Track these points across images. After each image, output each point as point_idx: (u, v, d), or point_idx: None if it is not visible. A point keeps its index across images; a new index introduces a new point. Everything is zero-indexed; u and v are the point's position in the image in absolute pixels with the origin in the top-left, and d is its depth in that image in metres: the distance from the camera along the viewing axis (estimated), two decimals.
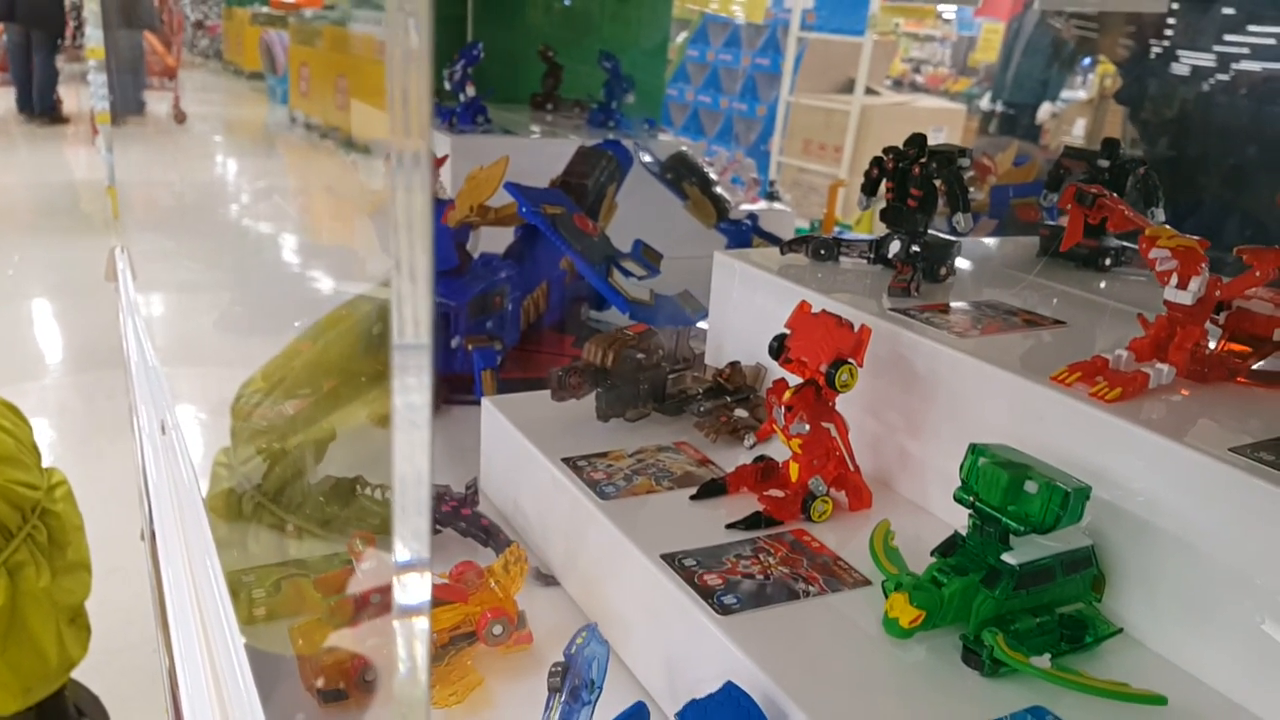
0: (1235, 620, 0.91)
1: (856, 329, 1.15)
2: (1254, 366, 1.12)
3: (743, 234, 2.43)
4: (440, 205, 1.79)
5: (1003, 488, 0.93)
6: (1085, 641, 0.96)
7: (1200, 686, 0.93)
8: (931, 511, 1.23)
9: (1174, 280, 1.06)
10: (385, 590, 1.05)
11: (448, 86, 2.75)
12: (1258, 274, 1.04)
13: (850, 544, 1.13)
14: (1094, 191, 1.17)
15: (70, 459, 3.28)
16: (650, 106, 3.28)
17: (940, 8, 11.54)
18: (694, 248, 2.11)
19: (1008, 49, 7.90)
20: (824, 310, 1.19)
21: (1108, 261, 1.57)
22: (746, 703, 0.87)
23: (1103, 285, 1.54)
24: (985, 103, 8.21)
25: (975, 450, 0.97)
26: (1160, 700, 0.88)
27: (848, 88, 6.94)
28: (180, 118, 9.59)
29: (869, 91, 6.76)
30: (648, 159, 2.47)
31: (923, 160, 1.41)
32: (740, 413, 1.41)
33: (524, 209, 1.65)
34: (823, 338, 1.16)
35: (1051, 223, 1.63)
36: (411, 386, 0.48)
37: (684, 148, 2.52)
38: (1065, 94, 8.53)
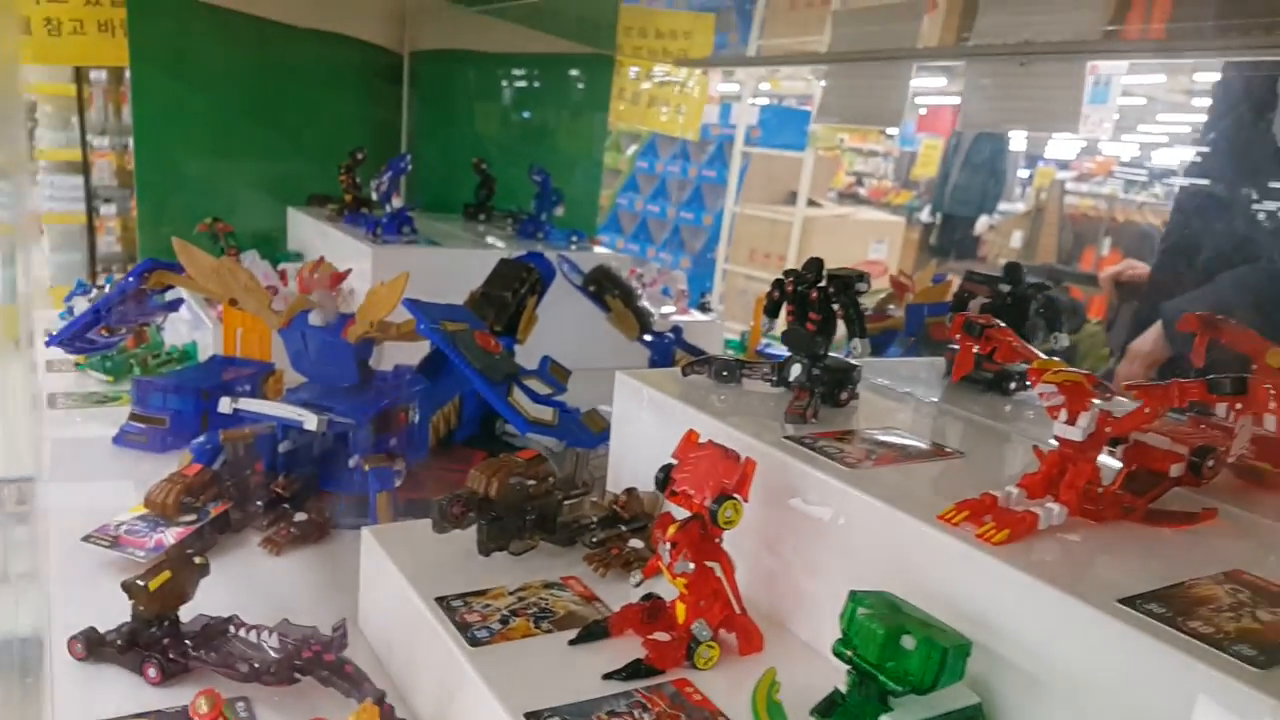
0: None
1: (742, 461, 1.10)
2: (1150, 506, 1.08)
3: (666, 347, 2.40)
4: (341, 320, 1.74)
5: (879, 643, 0.87)
6: None
7: None
8: (825, 655, 1.15)
9: (1063, 415, 1.03)
10: None
11: (374, 196, 2.73)
12: (1147, 410, 1.01)
13: (736, 695, 1.05)
14: (981, 322, 1.14)
15: None
16: (583, 219, 3.28)
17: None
18: (617, 360, 2.07)
19: (946, 164, 8.16)
20: (710, 441, 1.14)
21: (1012, 385, 1.54)
22: None
23: (1007, 409, 1.52)
24: (925, 215, 8.43)
25: (854, 599, 0.92)
26: None
27: (791, 199, 7.07)
28: None
29: (811, 203, 6.89)
30: (570, 271, 2.45)
31: (821, 285, 1.38)
32: (635, 543, 1.35)
33: (422, 326, 1.60)
34: (708, 470, 1.11)
35: (957, 346, 1.61)
36: None
37: (609, 263, 2.50)
38: (1003, 206, 8.81)
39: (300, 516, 1.65)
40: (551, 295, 2.26)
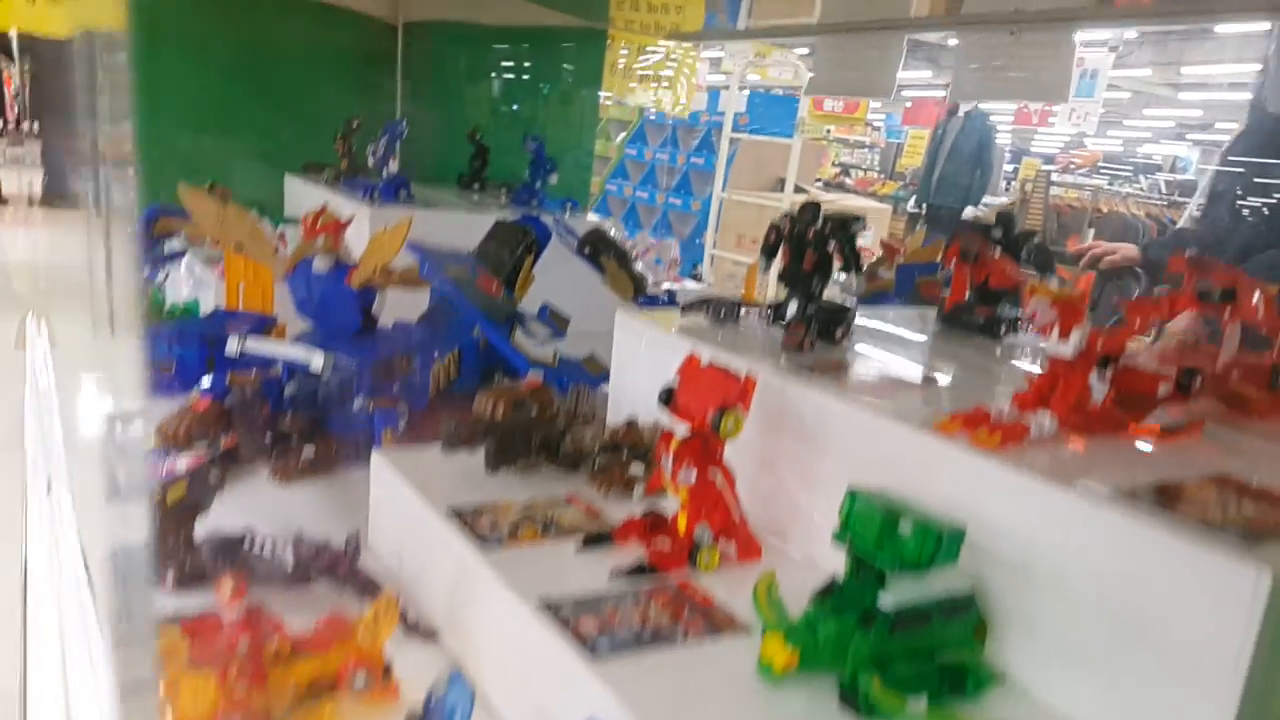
0: (1119, 666, 0.90)
1: (743, 377, 1.15)
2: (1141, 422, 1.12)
3: (660, 308, 2.44)
4: (343, 269, 1.77)
5: (877, 529, 0.92)
6: (965, 688, 0.94)
7: None
8: (822, 568, 1.20)
9: (1055, 333, 1.07)
10: (252, 629, 1.00)
11: (370, 162, 2.76)
12: (1137, 324, 1.06)
13: (735, 595, 1.10)
14: (976, 248, 1.19)
15: None
16: (576, 189, 3.32)
17: (869, 115, 12.01)
18: (611, 323, 2.11)
19: (932, 154, 8.20)
20: (712, 362, 1.19)
21: (1003, 329, 1.59)
22: None
23: (998, 352, 1.56)
24: (911, 205, 8.47)
25: (852, 495, 0.96)
26: None
27: (778, 186, 7.12)
28: None
29: (799, 190, 6.94)
30: (566, 234, 2.48)
31: (817, 225, 1.43)
32: (635, 469, 1.39)
33: (425, 270, 1.64)
34: (709, 387, 1.16)
35: (949, 294, 1.66)
36: None
37: (603, 228, 2.54)
38: (988, 199, 8.84)
39: (308, 452, 1.69)
40: (548, 260, 2.30)
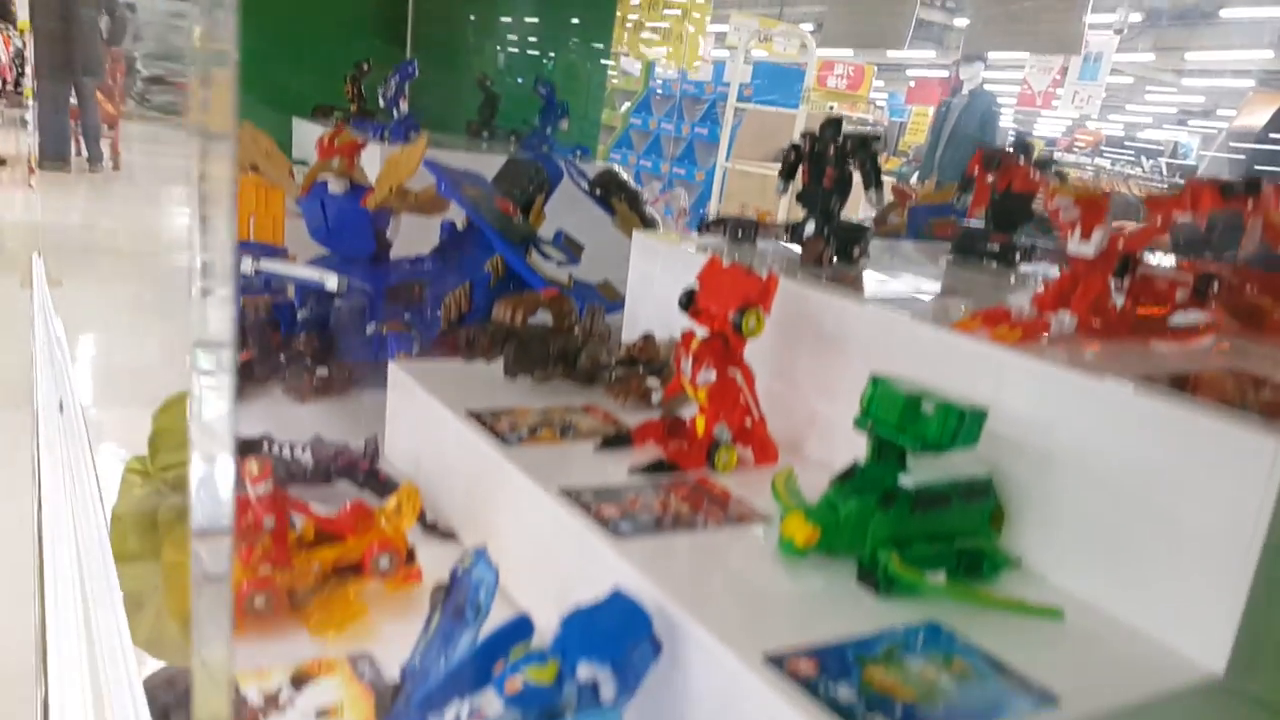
0: (1135, 548, 0.91)
1: (765, 277, 1.15)
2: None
3: None
4: (358, 191, 1.77)
5: (900, 409, 0.93)
6: (982, 572, 0.95)
7: (1099, 614, 0.92)
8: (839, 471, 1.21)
9: (1077, 232, 1.08)
10: (278, 509, 1.01)
11: (381, 103, 2.75)
12: (1159, 220, 1.06)
13: (753, 494, 1.11)
14: (999, 157, 1.19)
15: None
16: (586, 136, 3.31)
17: (871, 95, 11.98)
18: (622, 267, 2.11)
19: (935, 132, 8.18)
20: (735, 262, 1.19)
21: (1018, 257, 1.60)
22: (632, 608, 0.84)
23: (1012, 279, 1.57)
24: (914, 182, 8.47)
25: (875, 381, 0.97)
26: (1056, 614, 0.87)
27: (782, 157, 7.11)
28: (117, 164, 9.43)
29: None
30: (577, 176, 2.48)
31: (838, 142, 1.43)
32: (652, 383, 1.39)
33: (443, 187, 1.64)
34: (731, 287, 1.16)
35: (964, 224, 1.66)
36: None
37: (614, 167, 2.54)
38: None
39: (321, 372, 1.69)
40: (559, 204, 2.30)
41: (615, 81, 9.23)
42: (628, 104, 8.93)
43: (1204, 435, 0.86)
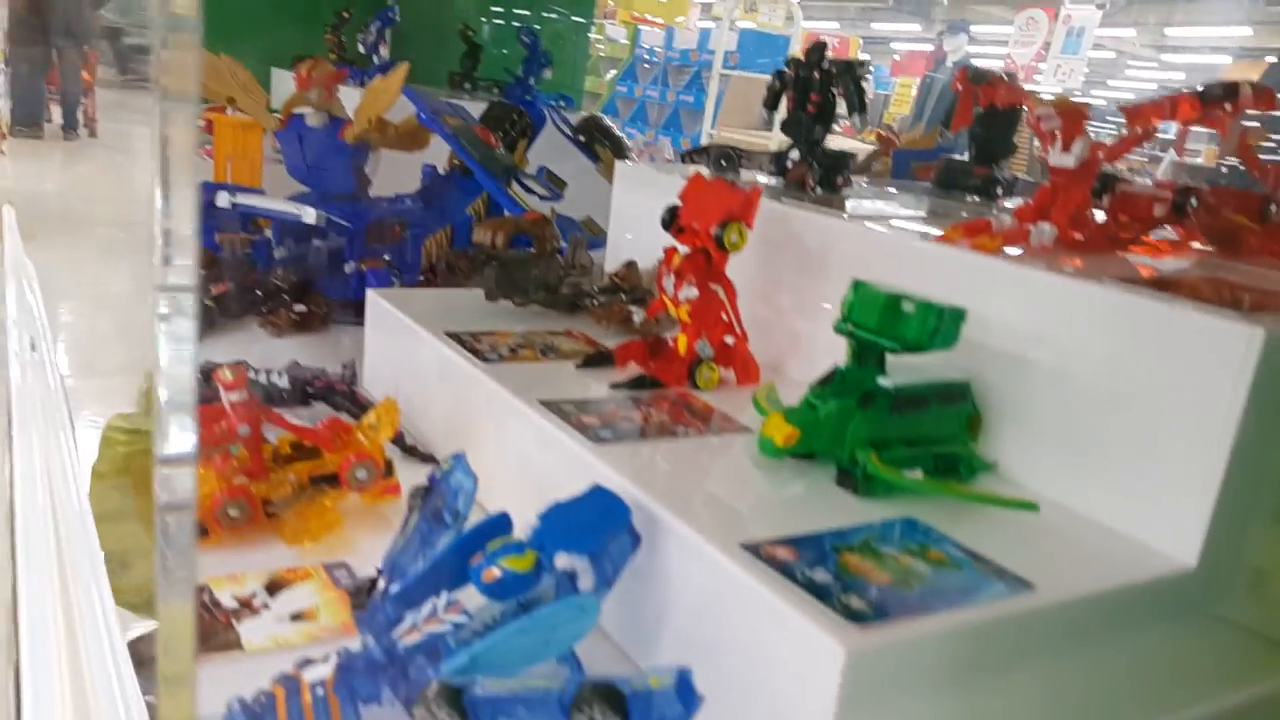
0: (1112, 446, 0.91)
1: (749, 190, 1.14)
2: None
3: None
4: (337, 123, 1.75)
5: (880, 309, 0.92)
6: (959, 475, 0.95)
7: (1074, 514, 0.92)
8: None
9: (1058, 144, 1.07)
10: (247, 424, 0.99)
11: (361, 49, 2.72)
12: (1139, 130, 1.06)
13: (735, 410, 1.10)
14: (985, 73, 1.18)
15: None
16: (570, 87, 3.29)
17: None
18: (606, 210, 2.10)
19: (919, 104, 8.18)
20: (717, 178, 1.18)
21: (999, 190, 1.60)
22: (611, 500, 0.83)
23: (994, 211, 1.57)
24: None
25: (857, 284, 0.96)
26: (1032, 506, 0.87)
27: (767, 125, 7.08)
28: (93, 131, 9.33)
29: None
30: (561, 122, 2.47)
31: (822, 67, 1.42)
32: (635, 308, 1.39)
33: (422, 116, 1.62)
34: (713, 202, 1.15)
35: (946, 155, 1.66)
36: None
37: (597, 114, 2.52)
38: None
39: (300, 307, 1.68)
40: (543, 151, 2.28)
41: (601, 50, 9.16)
42: (613, 71, 8.87)
43: (1180, 329, 0.86)
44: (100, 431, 1.44)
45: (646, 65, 8.54)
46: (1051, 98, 1.43)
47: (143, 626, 0.98)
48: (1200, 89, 1.07)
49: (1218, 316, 0.84)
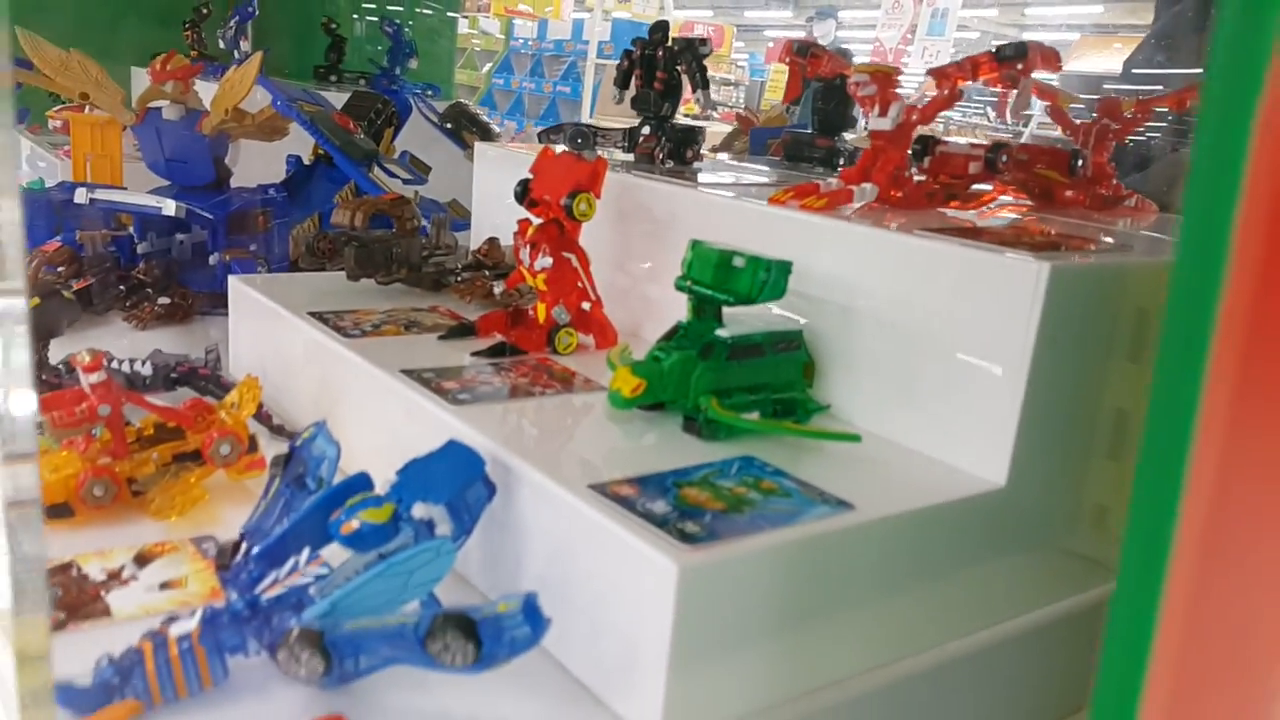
0: (923, 382, 1.00)
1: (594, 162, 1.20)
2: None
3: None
4: (194, 116, 1.74)
5: (714, 265, 0.99)
6: (796, 418, 1.03)
7: (897, 446, 1.01)
8: None
9: (875, 109, 1.16)
10: (108, 405, 1.00)
11: (222, 44, 2.68)
12: (945, 91, 1.15)
13: (595, 373, 1.16)
14: (810, 44, 1.26)
15: None
16: (439, 75, 3.29)
17: (733, 56, 12.18)
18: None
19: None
20: (565, 150, 1.24)
21: (841, 161, 1.68)
22: (465, 452, 0.88)
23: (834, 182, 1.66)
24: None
25: (694, 244, 1.03)
26: (854, 438, 0.95)
27: (618, 103, 7.18)
28: None
29: None
30: (427, 110, 2.48)
31: (667, 45, 1.48)
32: (497, 283, 1.43)
33: (278, 102, 1.63)
34: (563, 175, 1.21)
35: (792, 128, 1.74)
36: None
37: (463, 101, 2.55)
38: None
39: (164, 299, 1.67)
40: (411, 139, 2.29)
41: (477, 44, 9.11)
42: (489, 65, 8.84)
43: (980, 269, 0.95)
44: None
45: (522, 54, 8.55)
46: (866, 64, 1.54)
47: None
48: (994, 49, 1.17)
49: (1010, 255, 0.93)
